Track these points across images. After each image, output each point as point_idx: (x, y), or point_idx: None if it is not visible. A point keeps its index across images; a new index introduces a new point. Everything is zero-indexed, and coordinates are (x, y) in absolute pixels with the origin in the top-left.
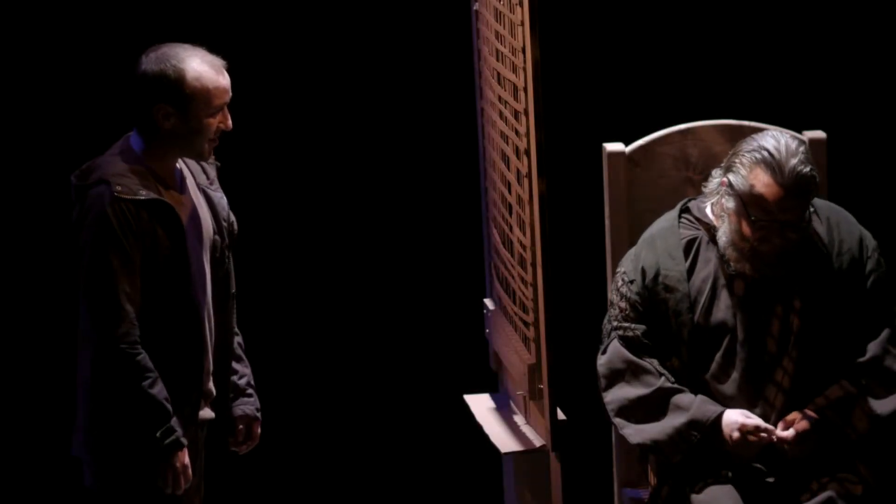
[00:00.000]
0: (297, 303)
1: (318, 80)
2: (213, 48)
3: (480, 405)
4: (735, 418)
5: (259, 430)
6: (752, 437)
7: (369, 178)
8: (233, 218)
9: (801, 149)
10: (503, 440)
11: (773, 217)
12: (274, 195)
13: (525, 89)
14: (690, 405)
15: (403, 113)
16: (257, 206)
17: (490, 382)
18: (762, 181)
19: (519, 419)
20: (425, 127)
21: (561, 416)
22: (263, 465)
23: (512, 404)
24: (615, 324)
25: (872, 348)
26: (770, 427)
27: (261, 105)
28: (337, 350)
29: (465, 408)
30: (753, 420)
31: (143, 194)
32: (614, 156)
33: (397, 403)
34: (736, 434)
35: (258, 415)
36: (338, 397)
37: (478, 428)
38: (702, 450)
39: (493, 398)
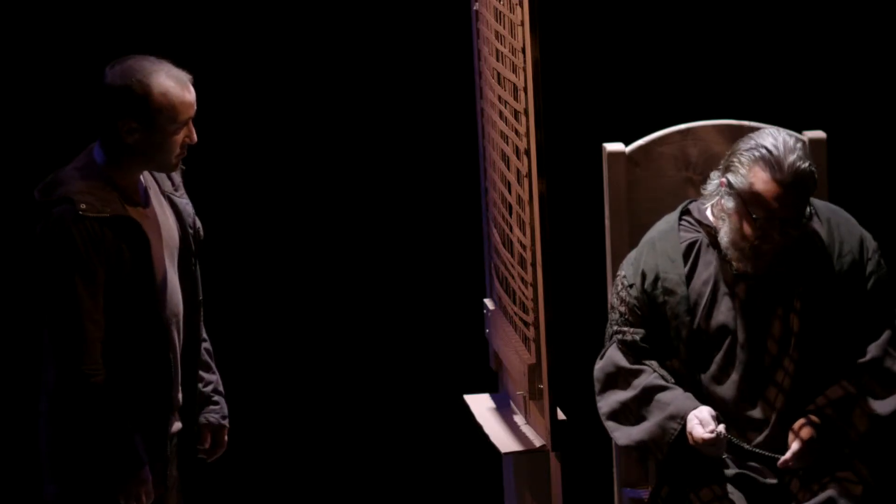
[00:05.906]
0: (297, 303)
1: (318, 80)
2: (210, 45)
3: (480, 405)
4: (692, 425)
5: (226, 438)
6: (710, 448)
7: (370, 179)
8: (199, 224)
9: (799, 145)
10: (503, 440)
11: (774, 214)
12: (274, 196)
13: (525, 89)
14: (673, 400)
15: (404, 113)
16: (257, 208)
17: (490, 382)
18: (762, 178)
19: (519, 419)
20: (425, 127)
21: (561, 416)
22: (263, 465)
23: (512, 404)
24: (615, 328)
25: (873, 350)
26: (723, 431)
27: (261, 106)
28: (337, 350)
29: (465, 408)
30: (703, 433)
31: (108, 211)
32: (614, 156)
33: (397, 403)
34: (693, 438)
35: (224, 422)
36: (338, 398)
37: (478, 428)
38: (688, 447)
39: (493, 398)
